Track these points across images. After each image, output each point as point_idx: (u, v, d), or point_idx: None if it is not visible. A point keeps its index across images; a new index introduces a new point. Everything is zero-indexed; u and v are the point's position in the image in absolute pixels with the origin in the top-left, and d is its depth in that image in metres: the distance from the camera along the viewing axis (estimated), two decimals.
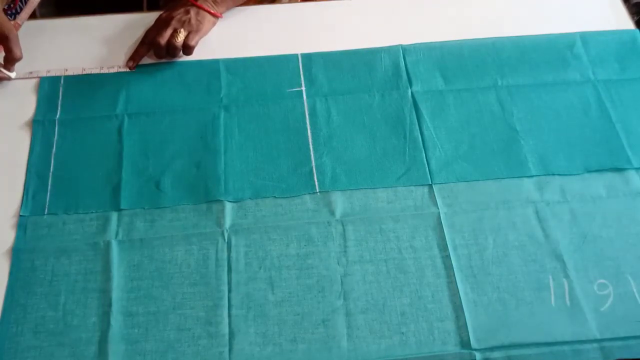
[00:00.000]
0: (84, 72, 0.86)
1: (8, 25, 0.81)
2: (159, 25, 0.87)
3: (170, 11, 0.88)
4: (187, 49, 0.86)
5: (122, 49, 0.89)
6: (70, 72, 0.86)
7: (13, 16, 0.99)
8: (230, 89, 0.85)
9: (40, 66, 0.86)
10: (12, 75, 0.85)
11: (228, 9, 0.92)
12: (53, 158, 0.78)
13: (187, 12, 0.88)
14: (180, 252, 0.72)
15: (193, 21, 0.87)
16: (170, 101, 0.84)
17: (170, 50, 0.86)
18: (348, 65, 0.88)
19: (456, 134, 0.82)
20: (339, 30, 0.92)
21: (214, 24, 0.91)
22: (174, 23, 0.86)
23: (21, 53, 0.82)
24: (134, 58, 0.87)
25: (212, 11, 0.89)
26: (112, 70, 0.86)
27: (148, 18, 0.92)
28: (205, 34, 0.89)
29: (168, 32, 0.86)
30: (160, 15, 0.89)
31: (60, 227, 0.73)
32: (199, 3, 0.88)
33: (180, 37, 0.85)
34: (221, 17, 0.91)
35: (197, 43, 0.87)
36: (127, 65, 0.87)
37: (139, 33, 0.90)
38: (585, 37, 0.91)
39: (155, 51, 0.86)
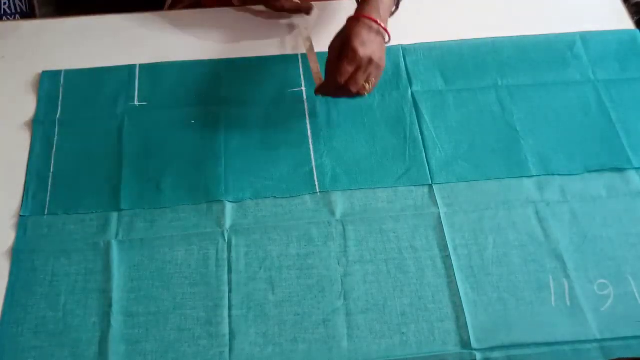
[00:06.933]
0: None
1: None
2: (354, 62, 0.74)
3: (365, 40, 0.74)
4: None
5: (122, 49, 0.88)
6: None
7: (13, 16, 0.99)
8: (230, 89, 0.85)
9: (41, 66, 0.86)
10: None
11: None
12: (53, 158, 0.78)
13: (380, 49, 0.76)
14: (180, 252, 0.72)
15: (383, 65, 0.77)
16: (171, 101, 0.84)
17: (351, 95, 0.77)
18: None
19: (456, 134, 0.82)
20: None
21: None
22: (370, 69, 0.75)
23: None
24: (322, 89, 0.79)
25: (389, 37, 0.79)
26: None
27: (148, 18, 0.92)
28: None
29: (362, 80, 0.75)
30: (354, 42, 0.74)
31: (61, 227, 0.73)
32: (388, 31, 0.77)
33: (368, 89, 0.76)
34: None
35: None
36: (315, 91, 0.79)
37: (138, 33, 0.90)
38: (585, 37, 0.91)
39: (336, 90, 0.77)
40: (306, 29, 0.90)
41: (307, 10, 0.91)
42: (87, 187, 0.76)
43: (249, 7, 0.94)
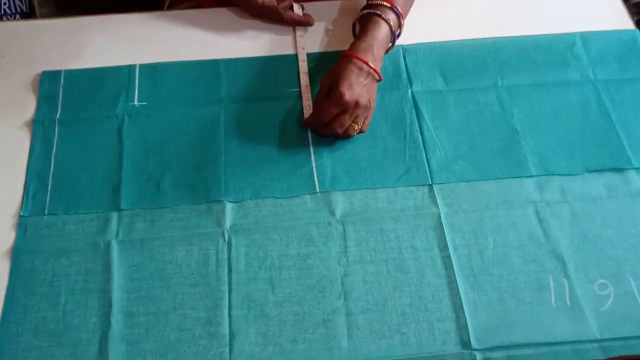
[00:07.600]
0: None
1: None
2: (338, 106, 0.76)
3: (353, 84, 0.76)
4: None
5: (122, 49, 0.88)
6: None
7: (13, 16, 0.99)
8: (230, 89, 0.85)
9: (41, 66, 0.86)
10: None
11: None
12: (53, 158, 0.78)
13: (369, 90, 0.78)
14: (180, 252, 0.72)
15: (372, 105, 0.79)
16: (171, 101, 0.84)
17: (337, 135, 0.79)
18: None
19: (456, 134, 0.82)
20: (339, 31, 0.92)
21: None
22: (357, 112, 0.77)
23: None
24: (308, 122, 0.80)
25: (380, 77, 0.80)
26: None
27: (148, 18, 0.92)
28: None
29: (348, 122, 0.77)
30: (341, 86, 0.75)
31: (61, 227, 0.73)
32: (378, 72, 0.79)
33: (357, 129, 0.79)
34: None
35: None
36: (302, 123, 0.81)
37: (138, 33, 0.90)
38: (585, 37, 0.91)
39: (320, 127, 0.79)
40: (301, 36, 0.90)
41: (308, 24, 0.91)
42: (87, 187, 0.76)
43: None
